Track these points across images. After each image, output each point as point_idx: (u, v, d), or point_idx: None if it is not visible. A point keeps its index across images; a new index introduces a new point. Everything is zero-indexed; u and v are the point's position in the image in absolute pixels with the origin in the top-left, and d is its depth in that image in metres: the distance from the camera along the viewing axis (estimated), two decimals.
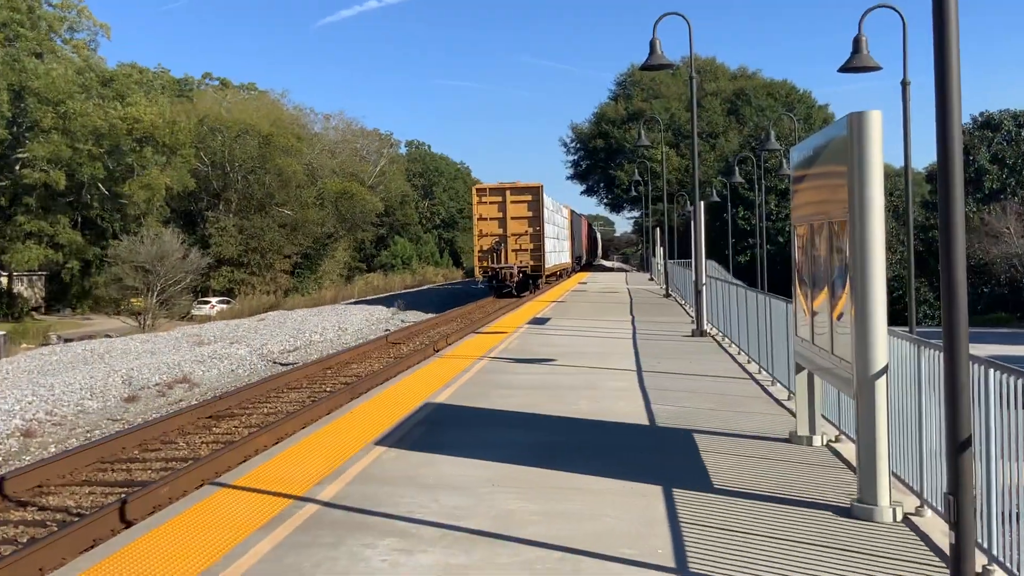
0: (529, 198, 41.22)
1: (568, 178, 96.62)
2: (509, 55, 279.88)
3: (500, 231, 41.14)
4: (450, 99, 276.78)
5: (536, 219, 41.27)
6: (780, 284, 42.92)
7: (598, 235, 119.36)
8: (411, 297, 51.37)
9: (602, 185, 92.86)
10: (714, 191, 50.42)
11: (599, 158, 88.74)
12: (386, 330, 32.27)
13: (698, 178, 20.98)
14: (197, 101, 68.45)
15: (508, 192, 41.21)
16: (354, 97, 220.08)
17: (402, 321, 36.65)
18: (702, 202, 20.34)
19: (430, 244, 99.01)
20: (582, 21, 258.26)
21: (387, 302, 47.84)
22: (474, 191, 42.38)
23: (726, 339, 17.82)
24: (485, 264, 41.52)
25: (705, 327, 19.33)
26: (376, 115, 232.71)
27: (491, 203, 41.16)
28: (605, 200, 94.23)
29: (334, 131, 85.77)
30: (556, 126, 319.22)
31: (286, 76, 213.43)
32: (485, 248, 41.41)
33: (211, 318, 48.76)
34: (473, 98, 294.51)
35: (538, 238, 41.32)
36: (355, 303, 50.56)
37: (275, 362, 24.34)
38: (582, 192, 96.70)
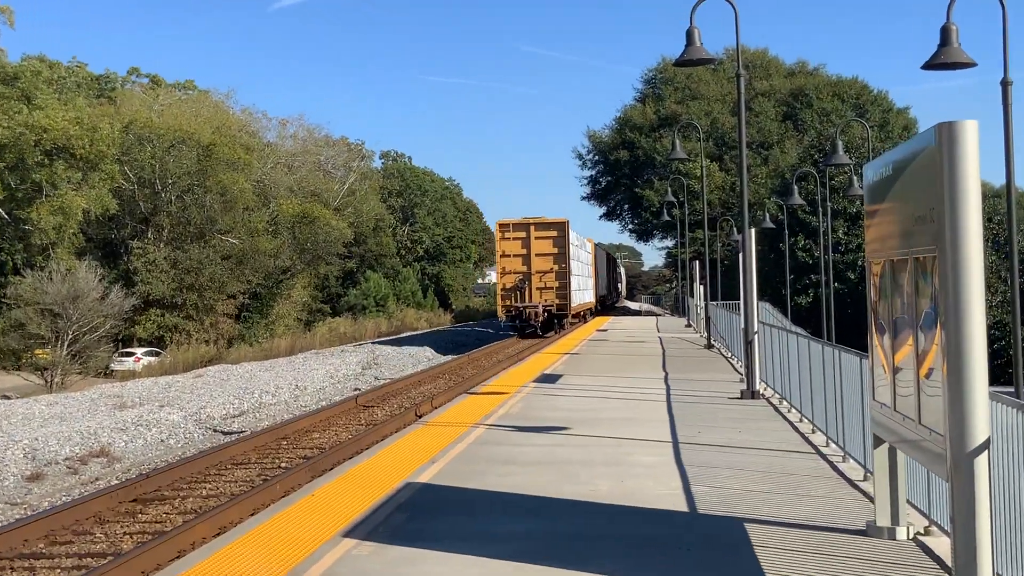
0: (555, 234, 48.05)
1: (584, 198, 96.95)
2: (507, 44, 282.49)
3: (524, 268, 47.72)
4: (435, 99, 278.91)
5: (562, 256, 47.90)
6: (852, 332, 42.84)
7: (622, 270, 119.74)
8: (387, 347, 51.29)
9: (626, 207, 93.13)
10: (767, 215, 50.57)
11: (623, 173, 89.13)
12: (355, 389, 32.22)
13: (747, 199, 21.07)
14: (121, 103, 68.88)
15: (532, 227, 48.00)
16: (317, 98, 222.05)
17: (375, 378, 36.60)
18: (752, 229, 20.40)
19: (411, 280, 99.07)
20: (600, 3, 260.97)
21: (357, 353, 47.77)
22: (497, 226, 49.21)
23: (784, 402, 17.78)
24: (508, 303, 47.82)
25: (757, 387, 19.30)
26: (344, 120, 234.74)
27: (515, 239, 47.95)
28: (630, 226, 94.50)
29: (292, 140, 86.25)
30: (568, 133, 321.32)
31: (233, 72, 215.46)
32: (508, 286, 47.85)
33: (136, 374, 48.67)
34: (464, 98, 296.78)
35: (564, 276, 47.88)
36: (317, 354, 50.48)
37: (216, 430, 24.25)
38: (602, 216, 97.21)
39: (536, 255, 47.89)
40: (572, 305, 49.02)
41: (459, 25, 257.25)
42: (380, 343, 57.08)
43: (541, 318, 47.47)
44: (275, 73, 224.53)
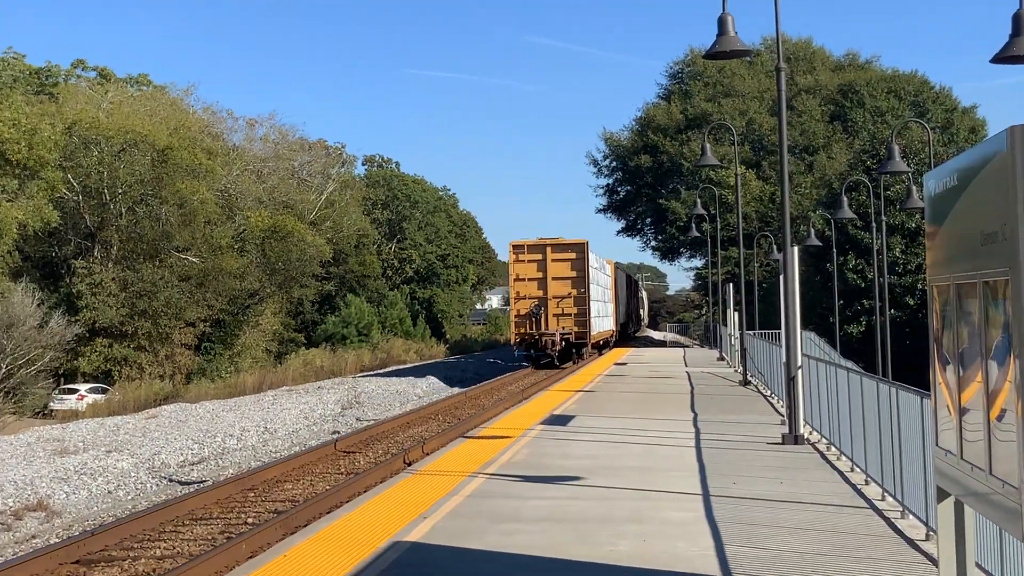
0: (573, 256, 51.31)
1: (599, 210, 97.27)
2: (511, 34, 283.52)
3: (540, 293, 50.90)
4: (427, 97, 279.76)
5: (581, 279, 51.13)
6: (911, 367, 42.84)
7: (644, 295, 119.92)
8: (371, 383, 51.29)
9: (649, 221, 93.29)
10: (812, 230, 50.63)
11: (644, 182, 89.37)
12: (334, 432, 32.22)
13: (789, 212, 21.10)
14: (64, 100, 69.10)
15: (549, 249, 51.28)
16: (290, 95, 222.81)
17: (357, 419, 36.61)
18: (795, 247, 20.43)
19: (398, 306, 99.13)
20: None
21: (336, 391, 47.75)
22: (511, 248, 52.17)
23: (832, 448, 17.76)
24: (522, 331, 50.96)
25: (801, 430, 19.27)
26: (322, 120, 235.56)
27: (530, 261, 51.14)
28: (653, 243, 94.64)
29: (262, 143, 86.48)
30: (581, 136, 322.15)
31: (193, 65, 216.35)
32: (522, 312, 50.96)
33: (79, 414, 48.67)
34: (460, 95, 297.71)
35: (583, 301, 51.04)
36: (289, 391, 50.47)
37: (172, 480, 24.24)
38: (620, 231, 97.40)
39: (553, 279, 50.89)
40: (592, 333, 52.01)
41: (454, 12, 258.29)
42: (363, 378, 57.07)
43: (558, 347, 50.22)
44: (242, 66, 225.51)
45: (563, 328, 50.74)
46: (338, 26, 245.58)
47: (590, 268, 51.83)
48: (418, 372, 60.61)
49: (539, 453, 18.25)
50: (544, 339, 50.19)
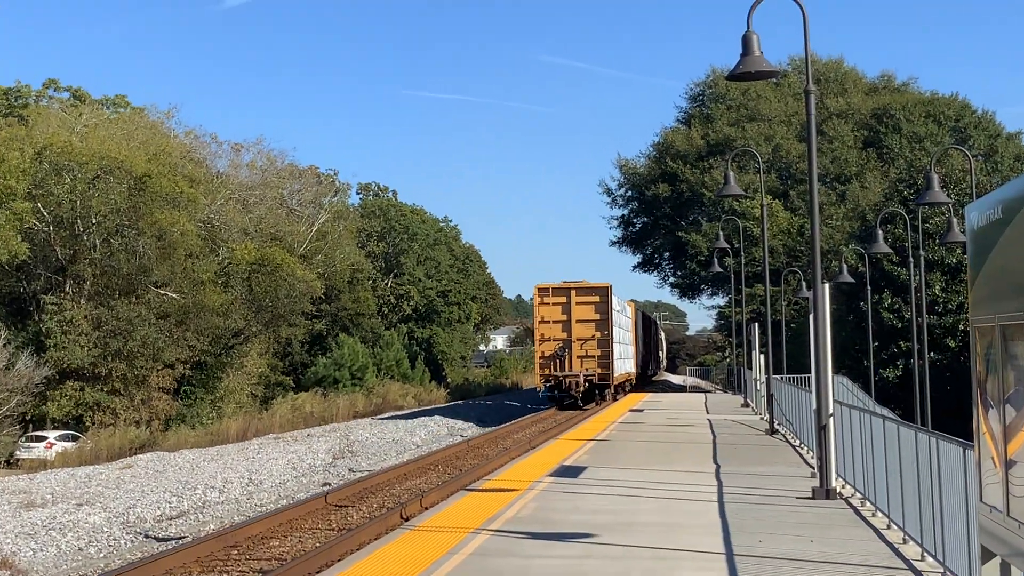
0: (596, 299, 56.70)
1: (613, 243, 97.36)
2: (519, 52, 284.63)
3: (564, 335, 56.15)
4: (426, 120, 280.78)
5: (604, 322, 56.42)
6: (953, 414, 42.74)
7: (662, 336, 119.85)
8: (364, 431, 51.21)
9: (667, 255, 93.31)
10: (844, 266, 50.59)
11: (662, 213, 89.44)
12: (325, 484, 32.19)
13: (819, 245, 21.11)
14: (35, 123, 69.36)
15: (573, 292, 56.81)
16: (280, 117, 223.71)
17: (350, 470, 36.58)
18: (826, 284, 20.42)
19: (395, 347, 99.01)
20: (633, 4, 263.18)
21: (327, 439, 47.71)
22: (536, 291, 57.96)
23: (867, 503, 17.70)
24: (547, 372, 56.22)
25: (833, 484, 19.21)
26: (313, 145, 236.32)
27: (554, 304, 56.65)
28: (672, 280, 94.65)
29: (248, 170, 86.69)
30: (594, 162, 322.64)
31: (175, 85, 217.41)
32: (547, 354, 56.25)
33: (48, 464, 48.65)
34: (462, 118, 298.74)
35: (606, 343, 56.33)
36: (276, 439, 50.42)
37: (148, 536, 24.21)
38: (636, 266, 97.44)
39: (577, 321, 56.15)
40: (614, 375, 57.35)
41: (455, 29, 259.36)
42: (356, 426, 57.02)
43: (582, 388, 55.22)
44: (227, 87, 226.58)
45: (587, 370, 55.52)
46: (332, 44, 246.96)
47: (613, 311, 56.71)
48: (416, 418, 60.55)
49: (548, 508, 18.20)
50: (568, 380, 54.80)
